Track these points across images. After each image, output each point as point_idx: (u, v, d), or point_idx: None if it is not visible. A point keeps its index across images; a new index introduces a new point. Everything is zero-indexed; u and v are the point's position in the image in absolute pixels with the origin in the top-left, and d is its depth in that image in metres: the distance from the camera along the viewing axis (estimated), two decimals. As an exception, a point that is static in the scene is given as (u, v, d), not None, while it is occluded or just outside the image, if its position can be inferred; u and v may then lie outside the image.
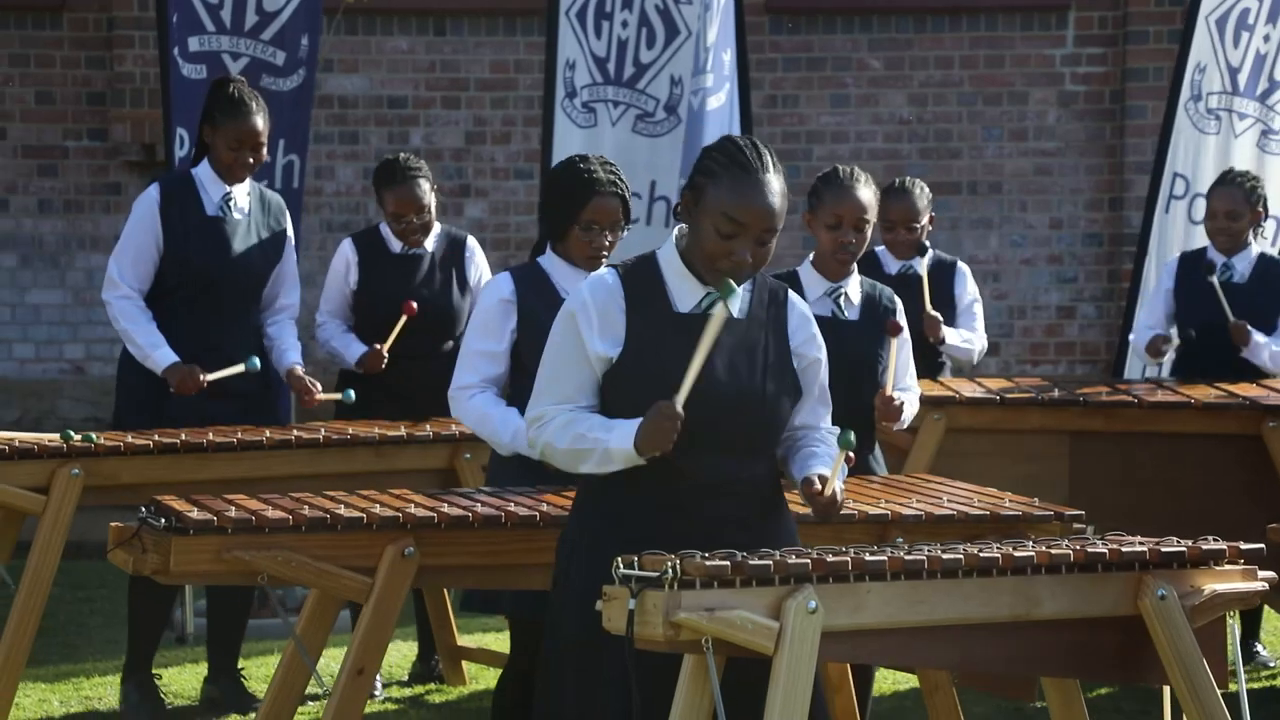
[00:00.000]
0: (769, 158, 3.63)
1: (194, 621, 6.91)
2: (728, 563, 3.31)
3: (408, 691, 6.26)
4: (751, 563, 3.33)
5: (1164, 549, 3.65)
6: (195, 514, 4.08)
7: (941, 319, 6.47)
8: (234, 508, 4.16)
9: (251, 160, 5.83)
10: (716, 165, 3.62)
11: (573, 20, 7.53)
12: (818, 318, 5.04)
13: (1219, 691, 3.66)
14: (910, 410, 5.01)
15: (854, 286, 5.11)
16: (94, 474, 5.20)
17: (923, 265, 6.51)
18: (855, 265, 5.14)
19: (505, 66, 9.84)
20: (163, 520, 4.05)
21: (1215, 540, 3.74)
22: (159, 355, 5.72)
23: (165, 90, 7.00)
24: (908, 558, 3.44)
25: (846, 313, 5.07)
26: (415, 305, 6.09)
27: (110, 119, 9.77)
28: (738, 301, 3.68)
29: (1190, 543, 3.70)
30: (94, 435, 5.26)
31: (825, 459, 3.69)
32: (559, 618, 3.62)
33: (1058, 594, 3.56)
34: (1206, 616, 3.66)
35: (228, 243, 5.82)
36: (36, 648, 6.80)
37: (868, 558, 3.41)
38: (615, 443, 3.53)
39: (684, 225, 3.71)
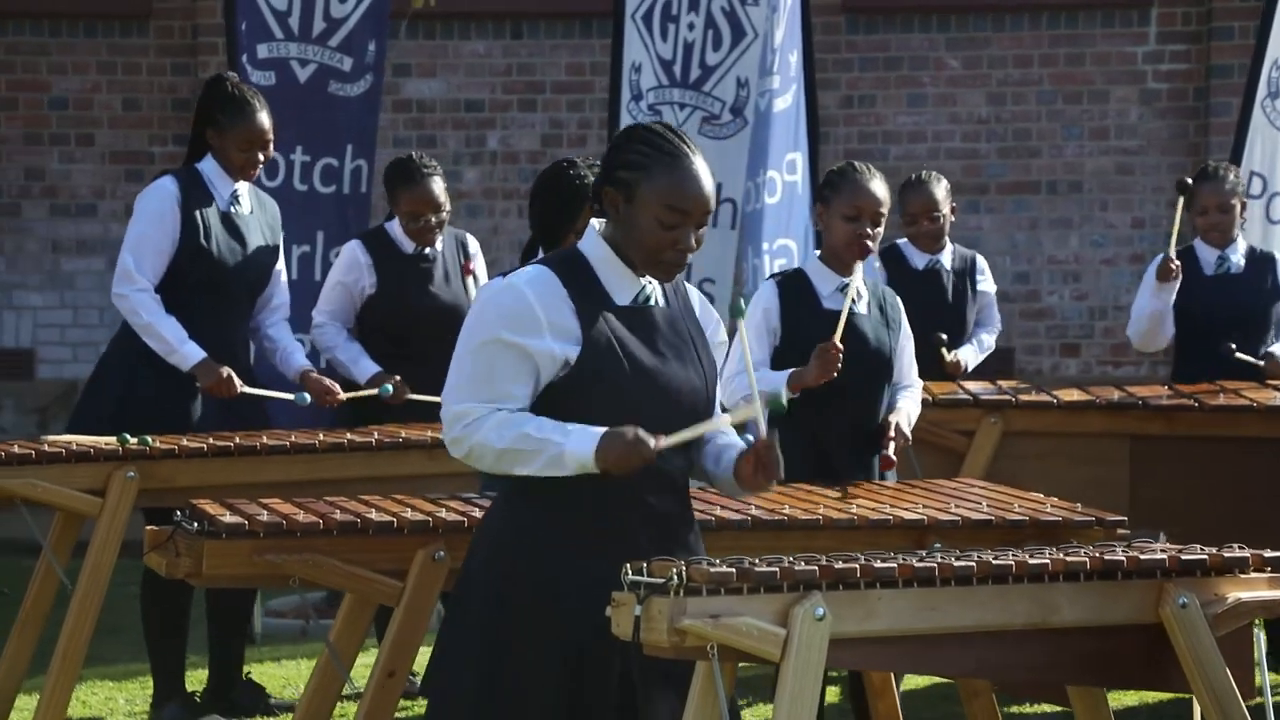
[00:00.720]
0: (689, 140, 3.56)
1: (262, 621, 7.00)
2: (733, 570, 3.32)
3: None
4: (758, 569, 3.33)
5: (1184, 556, 3.61)
6: (227, 518, 4.14)
7: (961, 362, 6.47)
8: (266, 512, 4.21)
9: (261, 158, 5.85)
10: (644, 158, 3.51)
11: (638, 23, 7.55)
12: (831, 313, 5.08)
13: (1243, 701, 3.61)
14: (914, 411, 5.06)
15: (860, 279, 5.10)
16: (149, 477, 5.27)
17: (947, 347, 6.49)
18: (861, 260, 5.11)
19: (581, 69, 9.88)
20: (195, 524, 4.11)
21: (1241, 548, 3.69)
22: (187, 350, 5.68)
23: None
24: (918, 564, 3.42)
25: (859, 305, 5.07)
26: (407, 393, 5.99)
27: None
28: (653, 283, 3.59)
29: (1213, 550, 3.65)
30: (149, 439, 5.34)
31: (736, 446, 3.62)
32: (483, 610, 3.52)
33: (1076, 601, 3.53)
34: (1230, 625, 3.62)
35: (243, 238, 5.85)
36: (107, 647, 6.94)
37: (877, 564, 3.40)
38: (573, 446, 3.42)
39: (603, 219, 3.60)
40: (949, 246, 6.70)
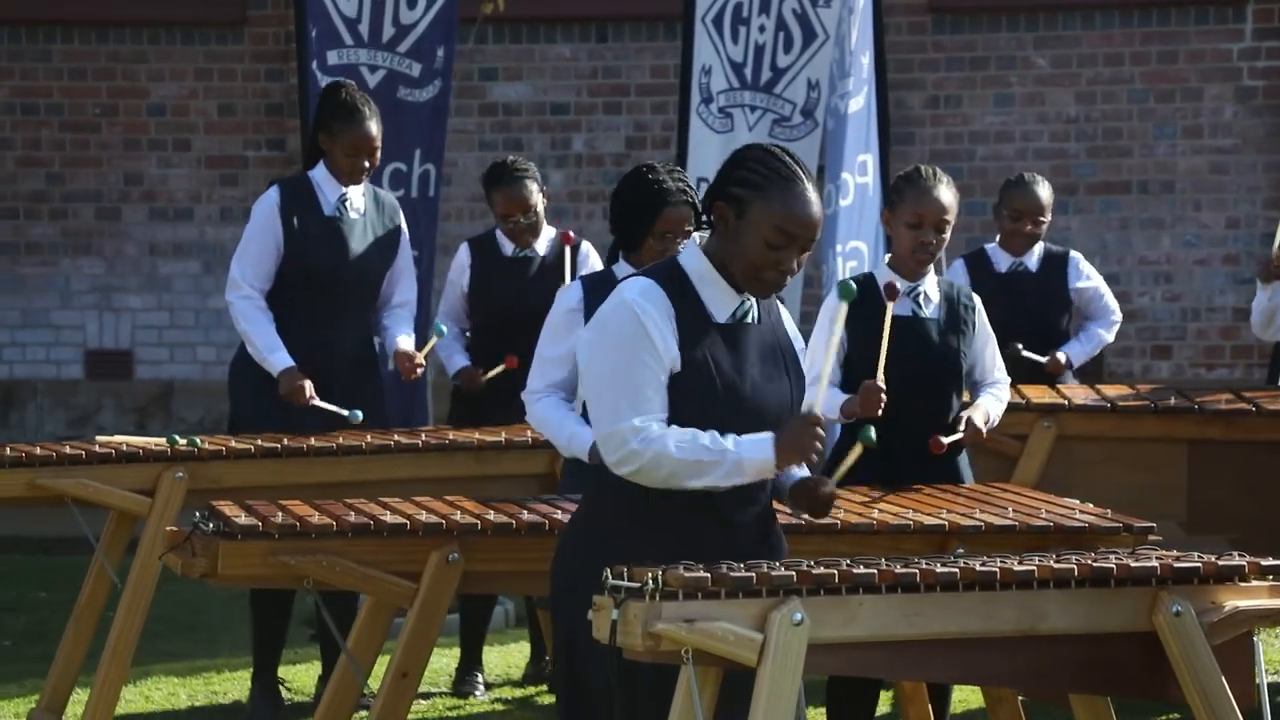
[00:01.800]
0: (804, 165, 3.63)
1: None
2: (708, 575, 3.33)
3: (518, 692, 6.37)
4: (734, 575, 3.34)
5: (1177, 564, 3.56)
6: (243, 519, 4.22)
7: (1064, 359, 6.45)
8: (281, 513, 4.28)
9: (367, 164, 5.97)
10: (760, 178, 3.58)
11: (708, 26, 7.56)
12: (898, 317, 5.07)
13: (1237, 709, 3.56)
14: (994, 409, 5.06)
15: (931, 284, 5.09)
16: (198, 477, 5.37)
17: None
18: (932, 264, 5.11)
19: (665, 71, 9.90)
20: (211, 525, 4.19)
21: (1240, 555, 3.64)
22: (275, 358, 5.86)
23: (303, 103, 7.20)
24: (899, 570, 3.41)
25: (926, 310, 5.06)
26: (517, 360, 6.08)
27: (287, 129, 10.07)
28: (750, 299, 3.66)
29: (1210, 557, 3.60)
30: (198, 440, 5.45)
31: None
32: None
33: (1066, 608, 3.50)
34: (1227, 634, 3.57)
35: (345, 242, 5.97)
36: (180, 643, 7.09)
37: (856, 570, 3.40)
38: (750, 453, 3.48)
39: (706, 233, 3.70)
40: (1038, 247, 6.65)
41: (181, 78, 10.17)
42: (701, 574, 3.33)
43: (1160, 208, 9.85)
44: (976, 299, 5.15)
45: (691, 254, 3.67)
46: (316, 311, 5.95)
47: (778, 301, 3.76)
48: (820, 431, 3.49)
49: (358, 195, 6.02)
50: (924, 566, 3.44)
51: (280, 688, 6.06)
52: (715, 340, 3.59)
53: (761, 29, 7.59)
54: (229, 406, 6.13)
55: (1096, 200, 9.89)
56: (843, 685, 4.95)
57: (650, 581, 3.31)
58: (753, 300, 3.66)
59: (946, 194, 5.06)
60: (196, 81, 10.18)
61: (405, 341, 6.04)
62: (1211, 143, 9.79)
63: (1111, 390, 6.22)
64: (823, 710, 4.94)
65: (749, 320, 3.64)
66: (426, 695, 6.25)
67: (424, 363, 6.03)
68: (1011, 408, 5.97)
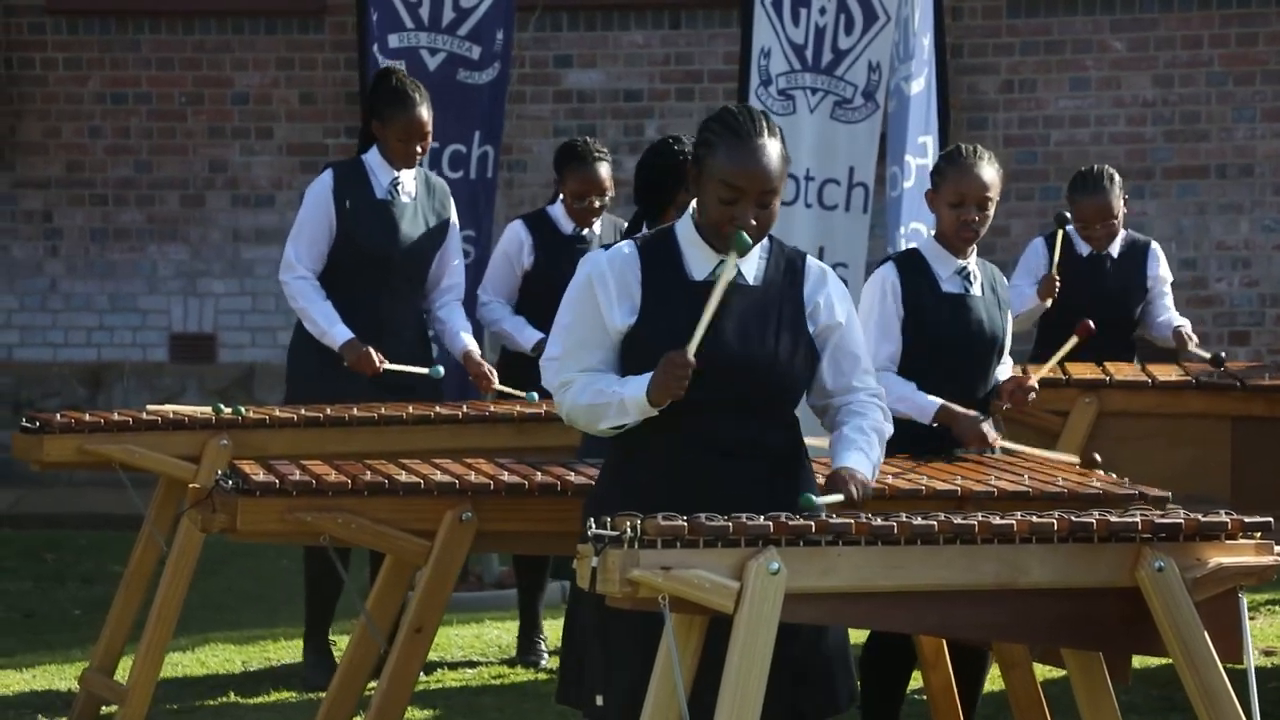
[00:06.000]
0: (763, 122, 3.72)
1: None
2: (685, 523, 3.39)
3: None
4: (712, 524, 3.40)
5: (1159, 520, 3.58)
6: (260, 476, 4.34)
7: (1188, 334, 6.48)
8: (299, 471, 4.39)
9: (420, 149, 6.10)
10: (713, 135, 3.73)
11: (768, 8, 7.60)
12: (949, 295, 5.09)
13: (1220, 664, 3.57)
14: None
15: (974, 262, 5.10)
16: (242, 445, 5.50)
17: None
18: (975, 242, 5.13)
19: (737, 58, 9.91)
20: (231, 482, 4.31)
21: (1227, 514, 3.65)
22: (335, 332, 6.01)
23: (363, 87, 7.33)
24: (875, 523, 3.46)
25: (974, 288, 5.07)
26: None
27: (365, 116, 10.22)
28: (753, 260, 3.75)
29: (1191, 515, 3.61)
30: (242, 409, 5.59)
31: (854, 444, 3.79)
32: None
33: (1048, 563, 3.53)
34: (1210, 590, 3.58)
35: (395, 225, 6.10)
36: (245, 613, 7.25)
37: (832, 521, 3.44)
38: (629, 392, 3.67)
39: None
40: (1120, 234, 6.62)
41: (264, 67, 10.36)
42: (679, 522, 3.39)
43: (1239, 192, 9.75)
44: (1002, 275, 5.18)
45: (685, 217, 3.83)
46: (369, 292, 6.07)
47: (810, 262, 3.81)
48: (685, 370, 3.60)
49: (409, 179, 6.14)
50: (902, 520, 3.48)
51: (332, 650, 6.19)
52: (683, 296, 3.70)
53: (822, 11, 7.62)
54: (285, 390, 6.26)
55: (1174, 185, 9.81)
56: (875, 660, 4.99)
57: (629, 529, 3.38)
58: (745, 260, 3.74)
59: (988, 171, 5.06)
60: (278, 70, 10.35)
61: (471, 341, 6.17)
62: (1291, 126, 9.68)
63: (1163, 370, 6.18)
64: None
65: (734, 280, 3.71)
66: (473, 664, 6.36)
67: (500, 389, 6.12)
68: (1053, 383, 5.99)
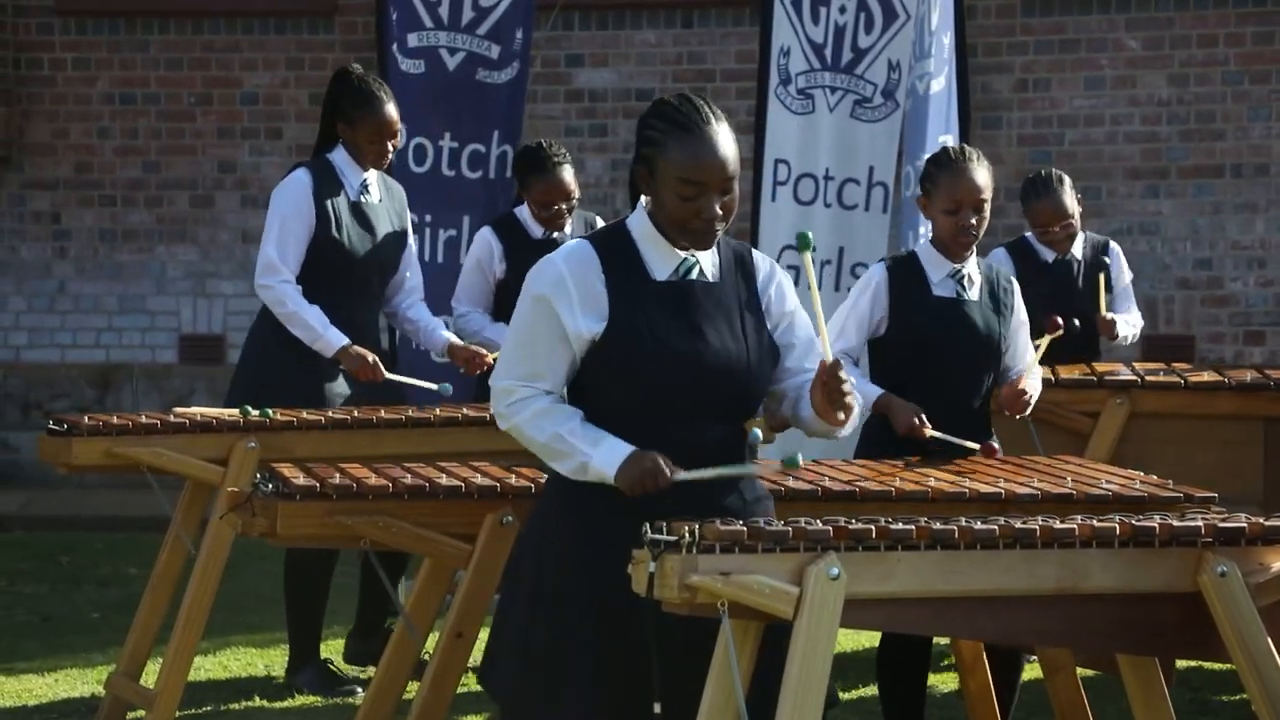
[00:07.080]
0: (707, 109, 3.57)
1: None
2: (745, 528, 3.35)
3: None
4: (771, 529, 3.36)
5: (1222, 524, 3.54)
6: (301, 480, 4.29)
7: (1116, 320, 6.36)
8: (339, 475, 4.34)
9: (391, 147, 6.02)
10: (658, 133, 3.56)
11: (787, 7, 7.56)
12: (941, 299, 5.03)
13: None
14: (1035, 391, 4.95)
15: (973, 266, 5.04)
16: (269, 447, 5.45)
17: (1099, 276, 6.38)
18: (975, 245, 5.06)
19: (749, 56, 9.88)
20: (271, 486, 4.26)
21: (1288, 517, 3.60)
22: (332, 336, 5.90)
23: (381, 86, 7.28)
24: (937, 527, 3.41)
25: (969, 293, 5.01)
26: None
27: (376, 118, 10.16)
28: (709, 254, 3.62)
29: (1255, 519, 3.57)
30: (270, 411, 5.53)
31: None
32: (539, 577, 3.63)
33: (1109, 568, 3.49)
34: (1273, 595, 3.54)
35: (372, 226, 6.04)
36: (264, 615, 7.19)
37: (894, 526, 3.40)
38: (596, 463, 3.51)
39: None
40: (1080, 236, 6.56)
41: (273, 67, 10.30)
42: (739, 527, 3.35)
43: (1254, 191, 9.72)
44: (1014, 282, 5.10)
45: (637, 215, 3.66)
46: (340, 294, 5.96)
47: (755, 255, 3.70)
48: (661, 481, 3.48)
49: (374, 180, 6.07)
50: (963, 524, 3.44)
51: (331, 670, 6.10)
52: (650, 299, 3.56)
53: (842, 9, 7.58)
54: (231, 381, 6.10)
55: (1189, 184, 9.78)
56: (890, 663, 4.95)
57: (687, 535, 3.33)
58: (699, 257, 3.61)
59: (981, 173, 4.97)
60: (288, 71, 10.30)
61: (450, 334, 6.15)
62: (1308, 125, 9.66)
63: (1193, 372, 6.14)
64: (873, 687, 4.94)
65: (693, 277, 3.60)
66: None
67: (490, 360, 6.06)
68: (1083, 384, 5.95)
